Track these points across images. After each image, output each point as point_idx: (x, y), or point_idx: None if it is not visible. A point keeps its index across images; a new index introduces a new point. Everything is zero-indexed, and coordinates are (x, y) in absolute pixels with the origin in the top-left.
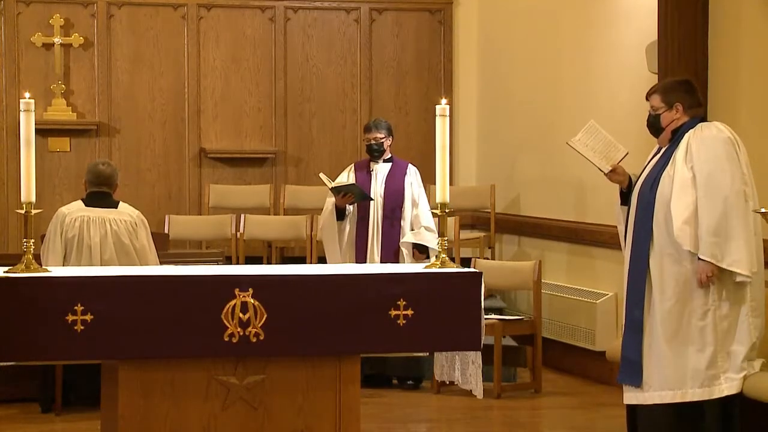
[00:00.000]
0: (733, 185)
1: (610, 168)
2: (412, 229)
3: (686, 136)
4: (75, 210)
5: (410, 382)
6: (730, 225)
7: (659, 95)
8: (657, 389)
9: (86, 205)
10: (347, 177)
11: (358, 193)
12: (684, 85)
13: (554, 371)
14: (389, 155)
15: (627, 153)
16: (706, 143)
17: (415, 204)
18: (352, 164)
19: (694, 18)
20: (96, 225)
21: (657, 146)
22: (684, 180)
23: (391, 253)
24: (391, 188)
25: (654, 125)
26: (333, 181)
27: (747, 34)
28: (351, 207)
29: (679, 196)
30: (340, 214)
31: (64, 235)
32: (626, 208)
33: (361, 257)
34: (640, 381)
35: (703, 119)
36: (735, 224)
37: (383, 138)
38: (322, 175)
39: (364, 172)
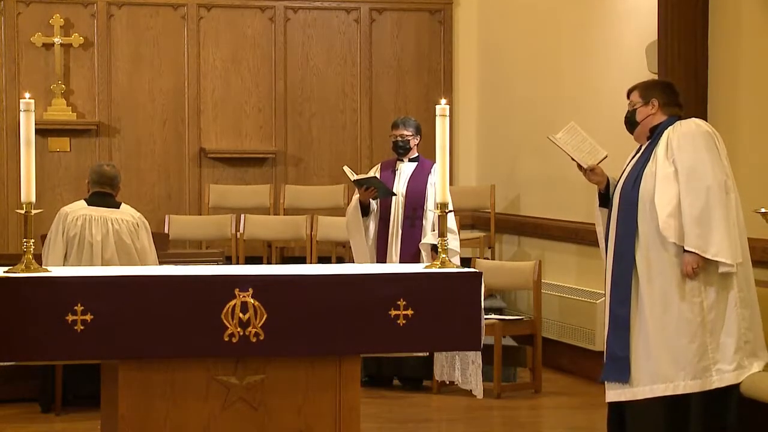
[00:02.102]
0: (714, 176)
1: (589, 166)
2: (434, 230)
3: (665, 132)
4: (77, 209)
5: (410, 382)
6: (713, 215)
7: (638, 91)
8: (647, 383)
9: (89, 204)
10: (373, 175)
11: (381, 188)
12: (663, 84)
13: (554, 371)
14: (416, 154)
15: (606, 155)
16: (686, 137)
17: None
18: (380, 163)
19: (694, 18)
20: (98, 223)
21: (637, 147)
22: (666, 174)
23: (410, 255)
24: (414, 188)
25: (630, 120)
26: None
27: (747, 34)
28: (375, 203)
29: (662, 190)
30: (365, 209)
31: (66, 233)
32: (605, 210)
33: (381, 258)
34: (628, 377)
35: (681, 119)
36: (717, 215)
37: (410, 136)
38: (345, 168)
39: (389, 171)
